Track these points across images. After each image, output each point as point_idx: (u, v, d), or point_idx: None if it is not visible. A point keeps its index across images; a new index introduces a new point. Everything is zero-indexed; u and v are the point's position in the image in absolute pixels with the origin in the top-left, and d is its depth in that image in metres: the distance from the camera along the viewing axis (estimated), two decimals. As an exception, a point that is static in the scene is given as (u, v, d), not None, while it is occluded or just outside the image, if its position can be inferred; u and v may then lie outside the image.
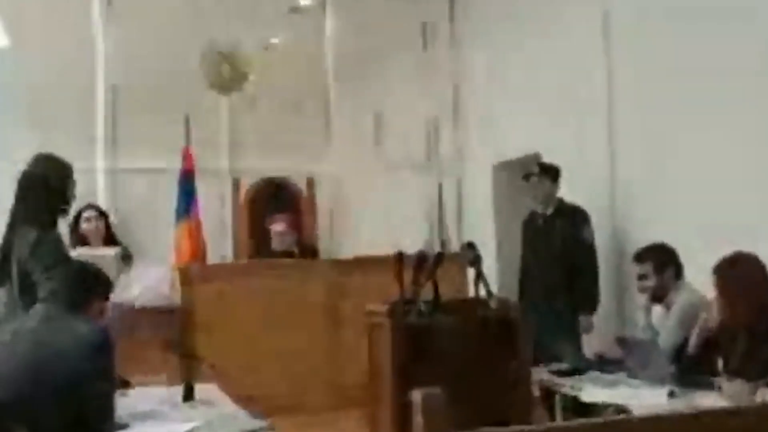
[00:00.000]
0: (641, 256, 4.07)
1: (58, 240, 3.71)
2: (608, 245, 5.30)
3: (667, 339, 3.88)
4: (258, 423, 2.90)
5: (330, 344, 5.45)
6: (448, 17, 7.38)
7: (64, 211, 3.77)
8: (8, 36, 7.49)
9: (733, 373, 3.21)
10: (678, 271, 4.02)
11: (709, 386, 3.26)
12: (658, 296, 4.02)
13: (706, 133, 4.56)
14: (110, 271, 4.12)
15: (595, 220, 5.14)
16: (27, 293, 3.31)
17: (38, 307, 2.61)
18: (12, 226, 3.49)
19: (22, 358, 2.33)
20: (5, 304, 3.43)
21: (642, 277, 4.03)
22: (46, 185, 3.50)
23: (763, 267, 3.43)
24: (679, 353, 3.75)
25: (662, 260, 4.01)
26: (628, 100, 5.25)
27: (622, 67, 5.30)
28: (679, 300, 3.94)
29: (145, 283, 5.07)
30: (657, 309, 4.12)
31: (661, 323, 4.04)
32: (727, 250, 3.53)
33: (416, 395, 1.65)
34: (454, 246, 6.90)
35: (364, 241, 7.49)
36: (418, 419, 1.64)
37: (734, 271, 3.45)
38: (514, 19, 6.46)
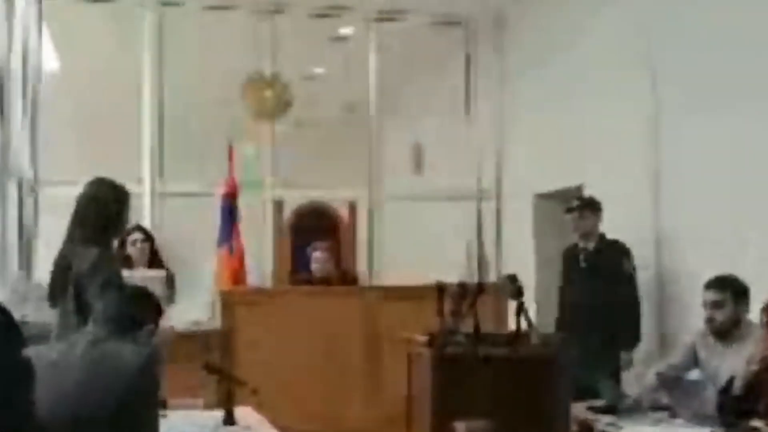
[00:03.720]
0: (720, 283, 3.81)
1: (116, 261, 3.79)
2: (650, 281, 5.26)
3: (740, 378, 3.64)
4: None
5: (368, 370, 5.48)
6: (494, 48, 7.42)
7: (117, 234, 3.86)
8: (59, 60, 7.68)
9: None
10: (748, 305, 3.81)
11: (752, 430, 3.20)
12: (725, 329, 3.79)
13: (756, 170, 4.52)
14: (159, 293, 4.19)
15: (636, 255, 5.10)
16: (81, 310, 3.36)
17: (88, 330, 2.65)
18: (70, 245, 3.55)
19: (69, 384, 2.36)
20: (59, 320, 3.50)
21: (716, 304, 3.77)
22: (105, 208, 3.58)
23: None
24: (723, 393, 3.67)
25: (742, 289, 3.80)
26: (673, 133, 5.23)
27: (667, 103, 5.28)
28: (752, 337, 3.66)
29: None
30: (710, 344, 3.88)
31: (720, 361, 3.80)
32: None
33: (460, 426, 1.66)
34: (492, 276, 6.90)
35: (403, 268, 7.51)
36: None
37: None
38: (560, 51, 6.48)
